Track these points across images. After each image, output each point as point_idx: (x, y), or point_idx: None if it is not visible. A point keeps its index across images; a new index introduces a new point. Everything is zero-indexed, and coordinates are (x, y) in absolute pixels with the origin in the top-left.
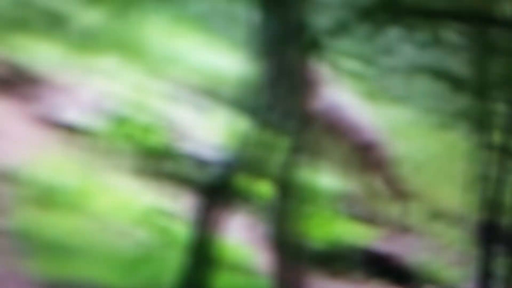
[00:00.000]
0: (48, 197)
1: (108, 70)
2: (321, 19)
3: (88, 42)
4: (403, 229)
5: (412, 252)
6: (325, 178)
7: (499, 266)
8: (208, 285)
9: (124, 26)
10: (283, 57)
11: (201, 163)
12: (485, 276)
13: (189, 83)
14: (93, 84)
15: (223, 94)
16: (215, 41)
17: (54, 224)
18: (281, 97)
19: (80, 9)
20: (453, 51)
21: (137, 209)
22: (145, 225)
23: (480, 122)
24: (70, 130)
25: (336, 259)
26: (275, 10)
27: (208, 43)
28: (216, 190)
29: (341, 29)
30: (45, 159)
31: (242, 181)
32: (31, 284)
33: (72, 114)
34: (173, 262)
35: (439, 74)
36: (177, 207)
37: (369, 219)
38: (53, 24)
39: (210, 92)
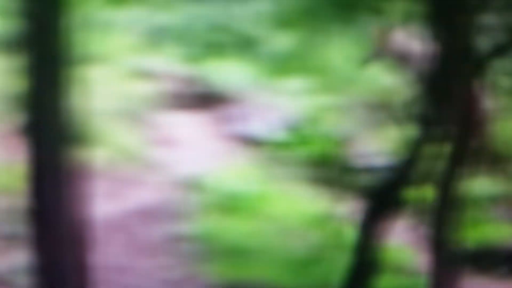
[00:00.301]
0: (229, 203)
1: (294, 89)
2: (482, 42)
3: (277, 64)
4: None
5: None
6: (480, 182)
7: None
8: (371, 285)
9: (311, 49)
10: (447, 79)
11: (370, 170)
12: None
13: (363, 99)
14: (278, 102)
15: (392, 107)
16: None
17: (234, 228)
18: (445, 108)
19: (270, 33)
20: None
21: (310, 214)
22: (317, 228)
23: None
24: (253, 142)
25: (483, 257)
26: (440, 35)
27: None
28: (383, 196)
29: (501, 50)
30: (229, 169)
31: (406, 186)
32: (208, 286)
33: (257, 129)
34: (342, 264)
35: None
36: (346, 211)
37: None
38: (245, 47)
39: (381, 106)
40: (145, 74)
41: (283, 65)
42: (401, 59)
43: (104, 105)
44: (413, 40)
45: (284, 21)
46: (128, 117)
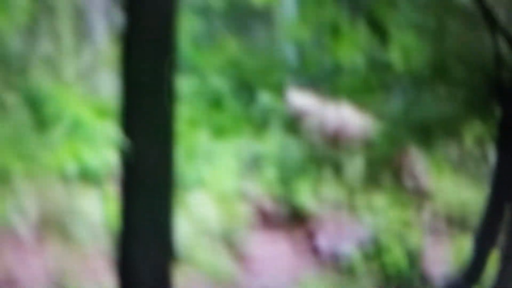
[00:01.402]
0: None
1: (372, 206)
2: None
3: (357, 182)
4: None
5: None
6: None
7: None
8: None
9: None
10: None
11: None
12: None
13: (442, 214)
14: (359, 219)
15: (468, 222)
16: (465, 178)
17: None
18: None
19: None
20: None
21: None
22: None
23: None
24: (332, 257)
25: None
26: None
27: (459, 179)
28: None
29: None
30: (306, 282)
31: None
32: None
33: (337, 244)
34: None
35: None
36: None
37: None
38: (329, 171)
39: (458, 221)
40: (241, 197)
41: (362, 184)
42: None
43: (203, 226)
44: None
45: (366, 145)
46: (224, 237)
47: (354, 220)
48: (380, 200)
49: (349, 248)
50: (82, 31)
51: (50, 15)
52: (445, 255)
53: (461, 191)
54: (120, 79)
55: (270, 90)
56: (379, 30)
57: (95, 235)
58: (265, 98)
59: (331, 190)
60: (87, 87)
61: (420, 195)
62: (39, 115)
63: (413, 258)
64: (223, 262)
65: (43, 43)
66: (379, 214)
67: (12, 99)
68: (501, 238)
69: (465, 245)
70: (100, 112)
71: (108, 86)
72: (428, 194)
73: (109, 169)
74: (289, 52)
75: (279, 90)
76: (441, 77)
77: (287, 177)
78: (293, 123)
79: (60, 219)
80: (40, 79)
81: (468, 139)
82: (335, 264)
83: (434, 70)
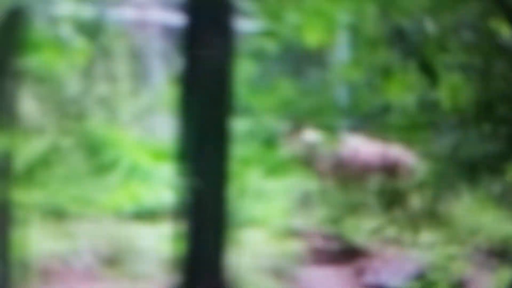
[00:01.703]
0: None
1: (422, 241)
2: None
3: (408, 220)
4: None
5: None
6: None
7: None
8: None
9: (439, 205)
10: None
11: None
12: None
13: (484, 248)
14: (409, 254)
15: (509, 255)
16: (507, 212)
17: None
18: None
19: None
20: None
21: None
22: None
23: None
24: None
25: None
26: None
27: (501, 214)
28: None
29: None
30: None
31: None
32: None
33: (388, 280)
34: None
35: None
36: None
37: None
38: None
39: (499, 254)
40: (292, 233)
41: (414, 221)
42: None
43: (256, 263)
44: None
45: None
46: (276, 273)
47: (402, 256)
48: (427, 235)
49: (397, 283)
50: (140, 74)
51: (108, 58)
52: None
53: (503, 225)
54: (177, 121)
55: (322, 130)
56: (428, 71)
57: (151, 271)
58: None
59: (380, 226)
60: (143, 129)
61: (463, 230)
62: (97, 158)
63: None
64: None
65: (100, 85)
66: (426, 249)
67: (68, 142)
68: None
69: (506, 278)
70: (156, 153)
71: (163, 128)
72: (470, 228)
73: (165, 209)
74: (341, 93)
75: (330, 130)
76: (486, 115)
77: (338, 214)
78: (343, 162)
79: (118, 257)
80: (97, 122)
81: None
82: None
83: (479, 108)
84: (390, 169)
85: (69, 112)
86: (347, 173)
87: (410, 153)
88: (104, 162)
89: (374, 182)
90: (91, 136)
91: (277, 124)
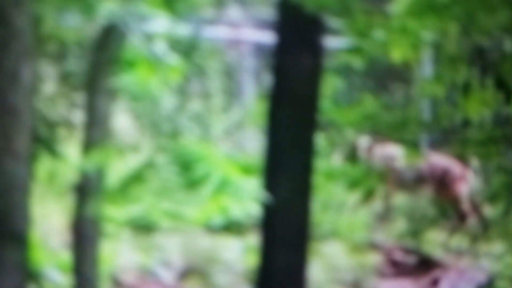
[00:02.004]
0: None
1: (493, 252)
2: None
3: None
4: None
5: None
6: None
7: None
8: None
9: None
10: None
11: None
12: None
13: None
14: (481, 265)
15: None
16: None
17: None
18: None
19: None
20: None
21: None
22: None
23: None
24: None
25: None
26: None
27: None
28: None
29: None
30: None
31: None
32: None
33: None
34: None
35: None
36: None
37: None
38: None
39: None
40: (371, 246)
41: (486, 233)
42: None
43: (335, 275)
44: None
45: (490, 196)
46: (354, 285)
47: (474, 266)
48: (497, 246)
49: None
50: (232, 91)
51: (201, 75)
52: None
53: None
54: (264, 136)
55: (403, 144)
56: (504, 88)
57: (234, 283)
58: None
59: (455, 238)
60: (233, 144)
61: None
62: (188, 173)
63: None
64: None
65: (193, 102)
66: (497, 259)
67: (162, 159)
68: None
69: None
70: (245, 168)
71: (252, 143)
72: None
73: (251, 221)
74: (423, 108)
75: (412, 144)
76: None
77: (416, 228)
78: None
79: (203, 269)
80: (190, 138)
81: None
82: None
83: None
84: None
85: (163, 129)
86: (426, 187)
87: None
88: (195, 177)
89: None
90: (184, 152)
91: (359, 138)
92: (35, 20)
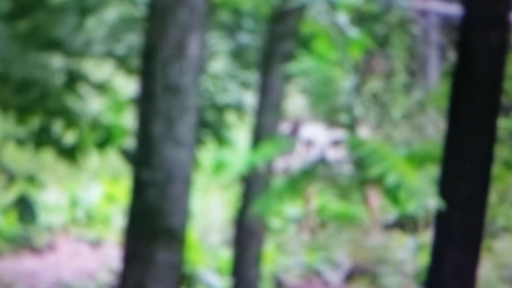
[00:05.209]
0: None
1: None
2: None
3: None
4: None
5: None
6: None
7: None
8: None
9: None
10: None
11: None
12: None
13: None
14: None
15: None
16: None
17: None
18: None
19: None
20: None
21: None
22: None
23: None
24: None
25: None
26: None
27: None
28: None
29: None
30: None
31: None
32: None
33: None
34: None
35: None
36: None
37: None
38: None
39: None
40: None
41: None
42: None
43: (505, 273)
44: None
45: None
46: None
47: None
48: None
49: None
50: (415, 68)
51: (384, 50)
52: None
53: None
54: (445, 120)
55: None
56: None
57: (405, 284)
58: None
59: None
60: (413, 128)
61: None
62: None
63: None
64: None
65: (373, 80)
66: None
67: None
68: None
69: None
70: (423, 157)
71: (434, 127)
72: None
73: (427, 216)
74: None
75: None
76: None
77: None
78: None
79: (372, 269)
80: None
81: None
82: None
83: None
84: None
85: (338, 108)
86: None
87: None
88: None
89: None
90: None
91: None
92: None
